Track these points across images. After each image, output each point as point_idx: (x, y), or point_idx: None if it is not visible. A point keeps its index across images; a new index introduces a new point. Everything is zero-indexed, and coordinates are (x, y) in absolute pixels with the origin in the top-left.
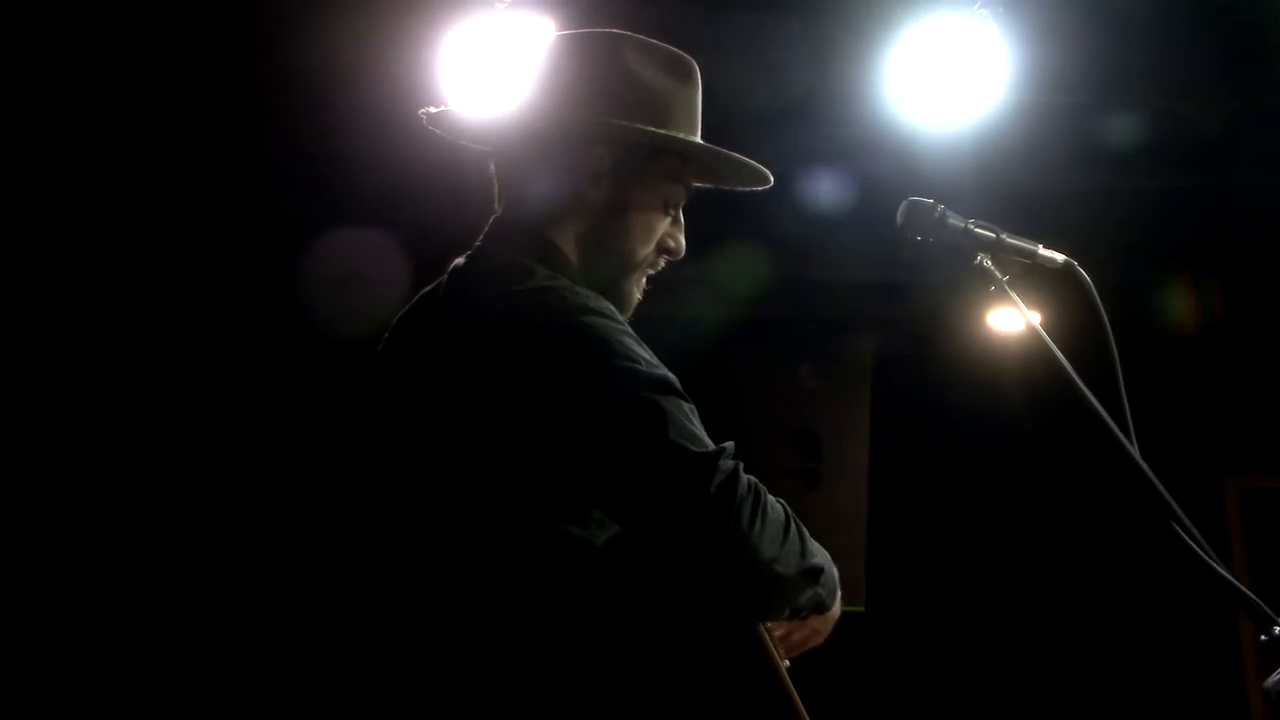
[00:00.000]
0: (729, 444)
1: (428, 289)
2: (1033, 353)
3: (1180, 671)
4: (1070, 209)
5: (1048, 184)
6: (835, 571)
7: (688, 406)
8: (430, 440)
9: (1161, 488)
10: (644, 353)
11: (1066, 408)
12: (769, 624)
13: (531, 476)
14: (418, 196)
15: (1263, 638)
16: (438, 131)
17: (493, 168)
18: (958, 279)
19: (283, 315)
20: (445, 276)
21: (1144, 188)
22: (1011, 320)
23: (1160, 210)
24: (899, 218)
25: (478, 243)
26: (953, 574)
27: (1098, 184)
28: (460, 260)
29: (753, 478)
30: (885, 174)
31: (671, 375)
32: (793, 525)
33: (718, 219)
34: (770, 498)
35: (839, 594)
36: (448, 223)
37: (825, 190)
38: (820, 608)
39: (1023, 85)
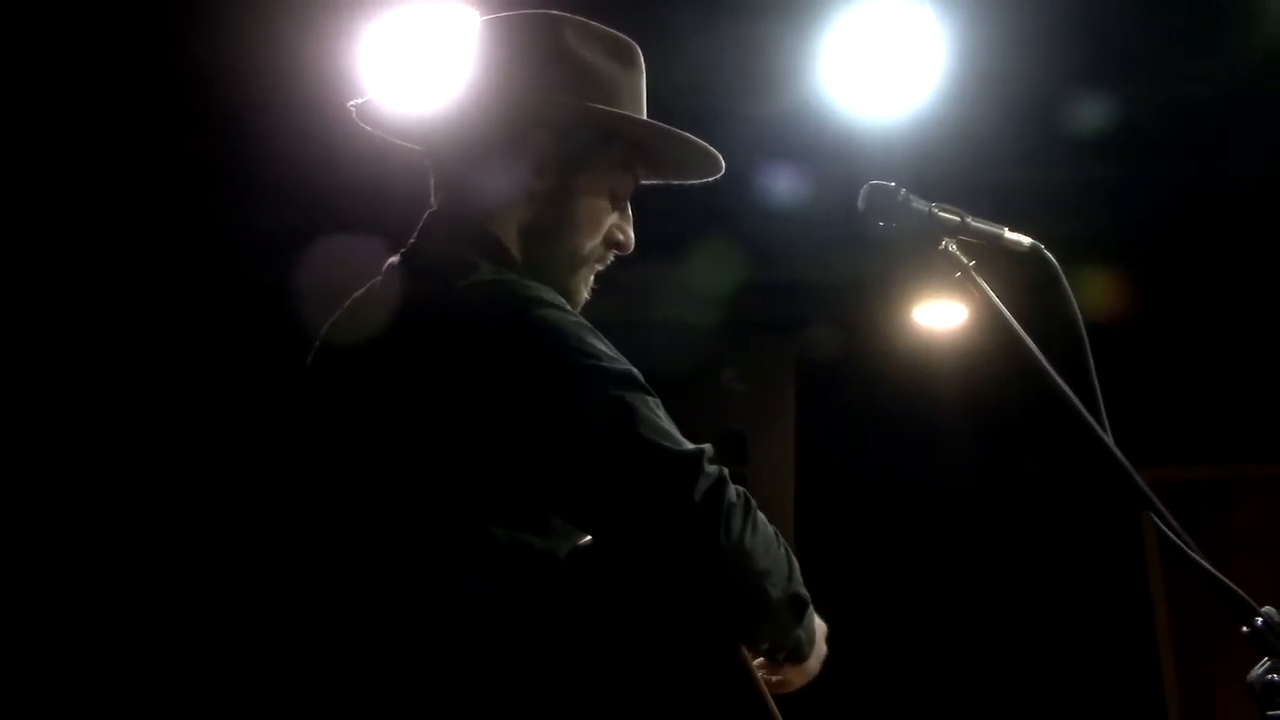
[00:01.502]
0: (708, 446)
1: (360, 292)
2: (981, 342)
3: (1099, 665)
4: (978, 198)
5: (969, 175)
6: (819, 623)
7: (653, 401)
8: (376, 452)
9: (1137, 476)
10: (604, 346)
11: (1000, 402)
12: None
13: (490, 486)
14: (345, 195)
15: (1244, 629)
16: (369, 127)
17: (428, 161)
18: (883, 275)
19: (211, 319)
20: (379, 278)
21: (1060, 178)
22: (939, 316)
23: (1077, 199)
24: (860, 203)
25: (412, 240)
26: (880, 575)
27: (1007, 175)
28: (394, 259)
29: (741, 486)
30: (808, 172)
31: (635, 369)
32: (781, 543)
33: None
34: (759, 511)
35: (819, 649)
36: (381, 223)
37: (751, 189)
38: (798, 655)
39: (960, 73)
